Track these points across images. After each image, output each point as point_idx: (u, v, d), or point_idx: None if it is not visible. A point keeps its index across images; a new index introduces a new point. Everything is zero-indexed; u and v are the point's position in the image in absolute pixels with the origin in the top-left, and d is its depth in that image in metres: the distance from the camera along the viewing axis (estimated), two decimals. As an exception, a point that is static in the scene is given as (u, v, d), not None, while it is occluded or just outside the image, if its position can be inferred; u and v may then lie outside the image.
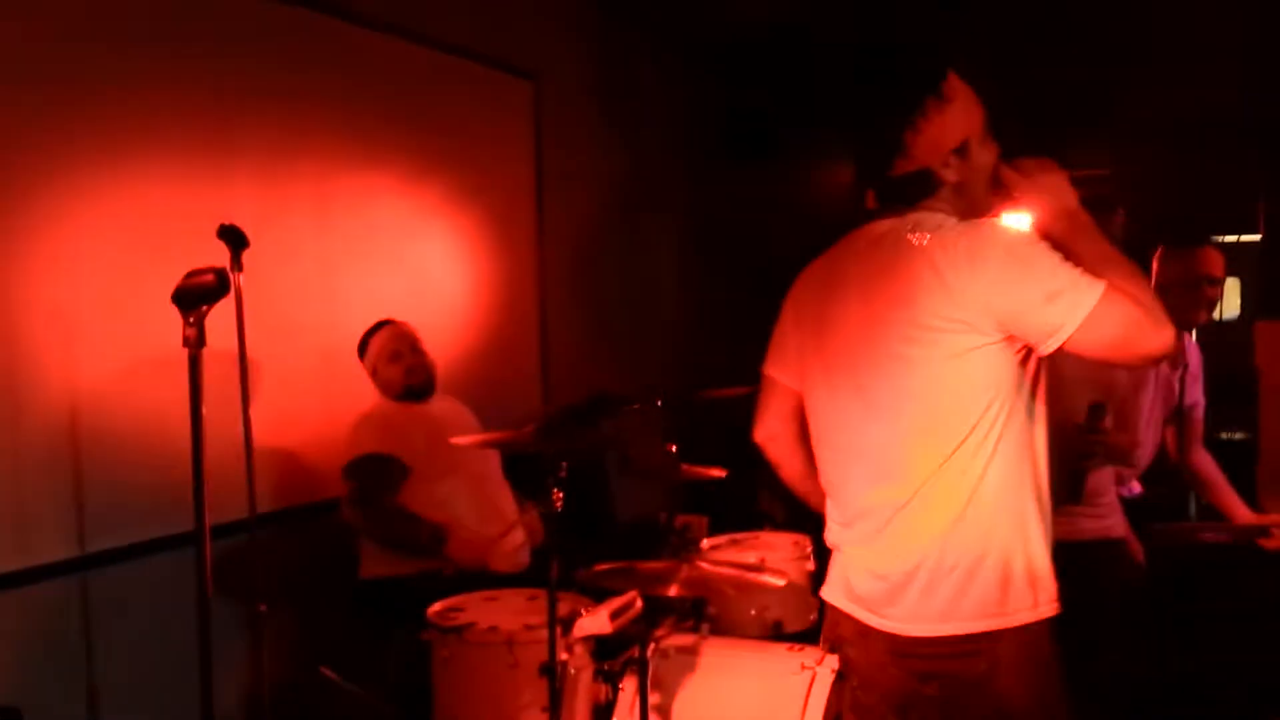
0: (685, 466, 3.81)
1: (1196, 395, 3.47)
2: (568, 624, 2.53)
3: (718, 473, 3.83)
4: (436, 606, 2.88)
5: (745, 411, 3.89)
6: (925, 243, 1.89)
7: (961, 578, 1.88)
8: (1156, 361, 1.92)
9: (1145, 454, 3.37)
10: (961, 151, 1.96)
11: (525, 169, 4.87)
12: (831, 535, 2.14)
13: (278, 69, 3.56)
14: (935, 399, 1.89)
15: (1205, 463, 3.50)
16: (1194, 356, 3.46)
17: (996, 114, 2.03)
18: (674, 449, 3.73)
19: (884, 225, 2.01)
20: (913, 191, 1.98)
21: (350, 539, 3.50)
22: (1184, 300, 3.27)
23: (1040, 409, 1.94)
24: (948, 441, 1.88)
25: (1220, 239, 7.83)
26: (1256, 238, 6.45)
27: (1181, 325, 3.35)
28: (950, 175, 1.96)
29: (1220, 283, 3.30)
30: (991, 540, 1.88)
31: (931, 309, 1.85)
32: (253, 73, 3.46)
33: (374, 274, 3.97)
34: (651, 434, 4.81)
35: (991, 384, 1.86)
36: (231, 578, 3.02)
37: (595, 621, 2.52)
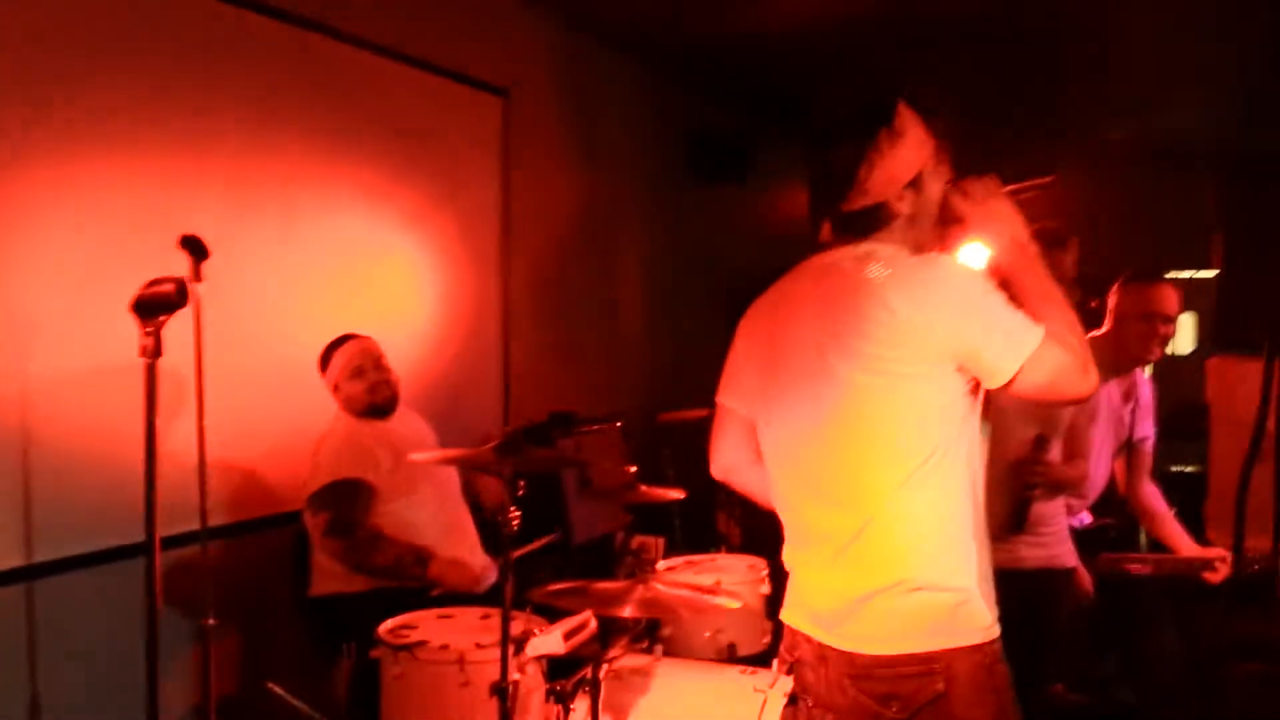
0: (643, 487, 3.82)
1: (1147, 429, 3.53)
2: (520, 643, 2.53)
3: (676, 494, 3.85)
4: (387, 624, 2.86)
5: (705, 434, 3.92)
6: (878, 275, 1.92)
7: (917, 599, 1.91)
8: (1082, 401, 1.99)
9: (1095, 485, 3.42)
10: (915, 184, 2.00)
11: (492, 185, 4.87)
12: (787, 557, 2.16)
13: (244, 79, 3.54)
14: (887, 427, 1.93)
15: (1151, 496, 3.55)
16: (1145, 391, 3.51)
17: (953, 144, 2.07)
18: (633, 470, 3.74)
19: (837, 255, 2.03)
20: (867, 225, 2.01)
21: (303, 553, 3.47)
22: (1139, 334, 3.32)
23: (982, 436, 1.98)
24: (900, 468, 1.91)
25: (1176, 275, 8.00)
26: (1212, 274, 6.56)
27: (1135, 360, 3.40)
28: (904, 208, 2.00)
29: (1174, 320, 3.35)
30: (943, 563, 1.93)
31: (883, 340, 1.89)
32: (219, 82, 3.44)
33: (336, 287, 3.95)
34: (611, 454, 4.83)
35: (941, 412, 1.91)
36: (180, 590, 2.98)
37: (548, 641, 2.51)
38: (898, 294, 1.88)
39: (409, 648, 2.71)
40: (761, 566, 3.53)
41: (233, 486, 3.52)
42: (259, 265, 3.61)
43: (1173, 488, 4.55)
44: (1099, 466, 3.36)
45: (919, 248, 2.01)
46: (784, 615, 2.16)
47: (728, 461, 2.29)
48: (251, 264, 3.57)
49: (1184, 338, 7.81)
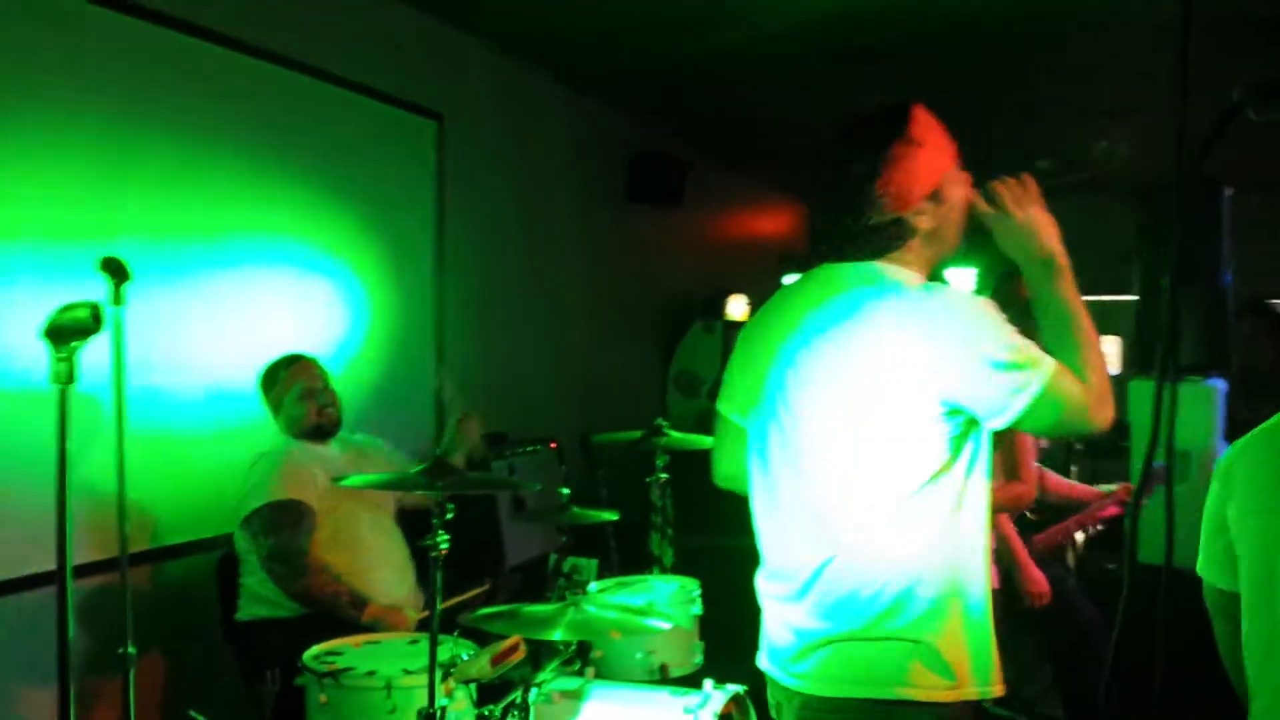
0: (577, 509, 3.81)
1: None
2: (448, 668, 2.51)
3: (609, 516, 3.84)
4: (313, 650, 2.82)
5: (639, 455, 3.93)
6: (881, 304, 1.81)
7: (877, 645, 1.82)
8: (1096, 436, 1.84)
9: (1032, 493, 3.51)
10: (935, 197, 1.89)
11: (426, 208, 4.85)
12: (759, 585, 2.08)
13: (170, 100, 3.49)
14: (861, 462, 1.82)
15: (1050, 478, 3.63)
16: None
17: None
18: (566, 491, 3.73)
19: (842, 271, 1.92)
20: (883, 242, 1.89)
21: (229, 577, 3.42)
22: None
23: (979, 488, 1.86)
24: (870, 506, 1.82)
25: (1099, 298, 8.18)
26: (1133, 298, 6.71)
27: None
28: (924, 223, 1.89)
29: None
30: (912, 610, 1.81)
31: (876, 372, 1.79)
32: (143, 102, 3.40)
33: (265, 308, 3.90)
34: (545, 476, 4.81)
35: (925, 457, 1.80)
36: (100, 618, 2.92)
37: (476, 666, 2.50)
38: (896, 326, 1.79)
39: (335, 674, 2.68)
40: (693, 588, 3.53)
41: (156, 511, 3.46)
42: (183, 287, 3.55)
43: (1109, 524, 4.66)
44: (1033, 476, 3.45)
45: (937, 260, 1.93)
46: (759, 660, 2.06)
47: (727, 470, 2.19)
48: (176, 286, 3.51)
49: (1110, 360, 7.99)
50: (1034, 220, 1.89)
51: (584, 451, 5.29)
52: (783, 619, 1.96)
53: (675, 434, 3.95)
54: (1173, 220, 1.88)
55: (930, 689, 1.80)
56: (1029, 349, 1.76)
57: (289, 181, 4.01)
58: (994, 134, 7.09)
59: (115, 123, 3.31)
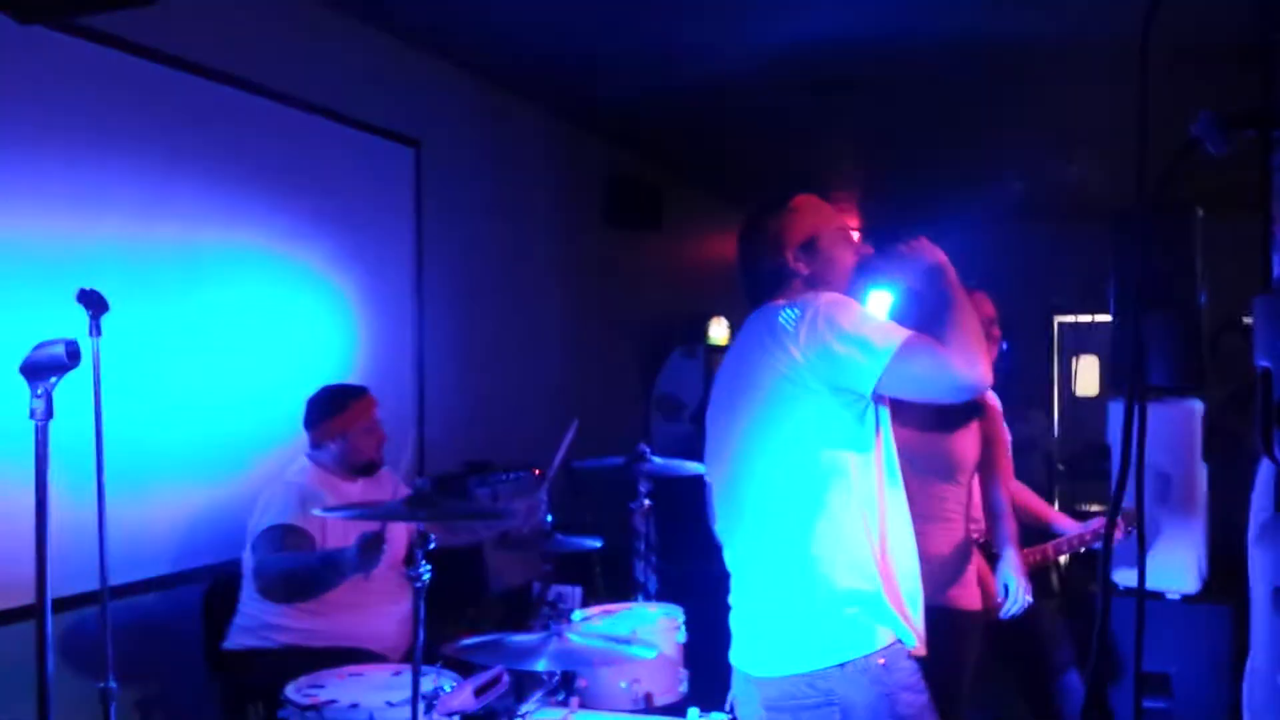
0: (561, 537, 3.80)
1: (1004, 434, 3.49)
2: (431, 700, 2.49)
3: (593, 543, 3.83)
4: (295, 683, 2.80)
5: (622, 481, 3.93)
6: (763, 319, 2.16)
7: (802, 619, 2.08)
8: (971, 393, 2.11)
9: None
10: (807, 248, 2.25)
11: (405, 234, 4.85)
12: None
13: (145, 128, 3.48)
14: (768, 445, 2.11)
15: (1020, 491, 3.62)
16: (991, 399, 3.45)
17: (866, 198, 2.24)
18: (550, 518, 3.72)
19: (752, 315, 2.27)
20: (770, 284, 2.26)
21: (215, 606, 3.38)
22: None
23: (880, 464, 2.13)
24: (779, 487, 2.10)
25: (1074, 318, 8.25)
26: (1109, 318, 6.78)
27: None
28: (802, 268, 2.24)
29: (995, 321, 3.39)
30: (826, 583, 2.06)
31: (765, 367, 2.10)
32: (117, 132, 3.39)
33: (244, 337, 3.89)
34: (527, 503, 4.79)
35: (820, 437, 2.08)
36: (80, 652, 2.89)
37: (459, 697, 2.48)
38: (774, 324, 2.11)
39: (317, 707, 2.66)
40: (678, 615, 3.52)
41: (138, 545, 3.43)
42: (159, 316, 3.53)
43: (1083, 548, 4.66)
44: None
45: None
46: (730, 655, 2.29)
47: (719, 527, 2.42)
48: (151, 315, 3.50)
49: (1088, 381, 8.05)
50: (917, 249, 2.22)
51: (567, 478, 5.28)
52: (736, 613, 2.25)
53: (658, 459, 3.95)
54: (1138, 248, 1.94)
55: (855, 648, 2.03)
56: (883, 323, 2.08)
57: (266, 209, 4.00)
58: (964, 160, 7.19)
59: (87, 154, 3.29)
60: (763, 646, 2.14)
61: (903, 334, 2.01)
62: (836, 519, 2.06)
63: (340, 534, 3.28)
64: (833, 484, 2.06)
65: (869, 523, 2.09)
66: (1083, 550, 3.63)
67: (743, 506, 2.18)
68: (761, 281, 2.28)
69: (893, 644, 2.05)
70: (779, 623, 2.11)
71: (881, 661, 2.02)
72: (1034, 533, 3.70)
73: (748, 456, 2.16)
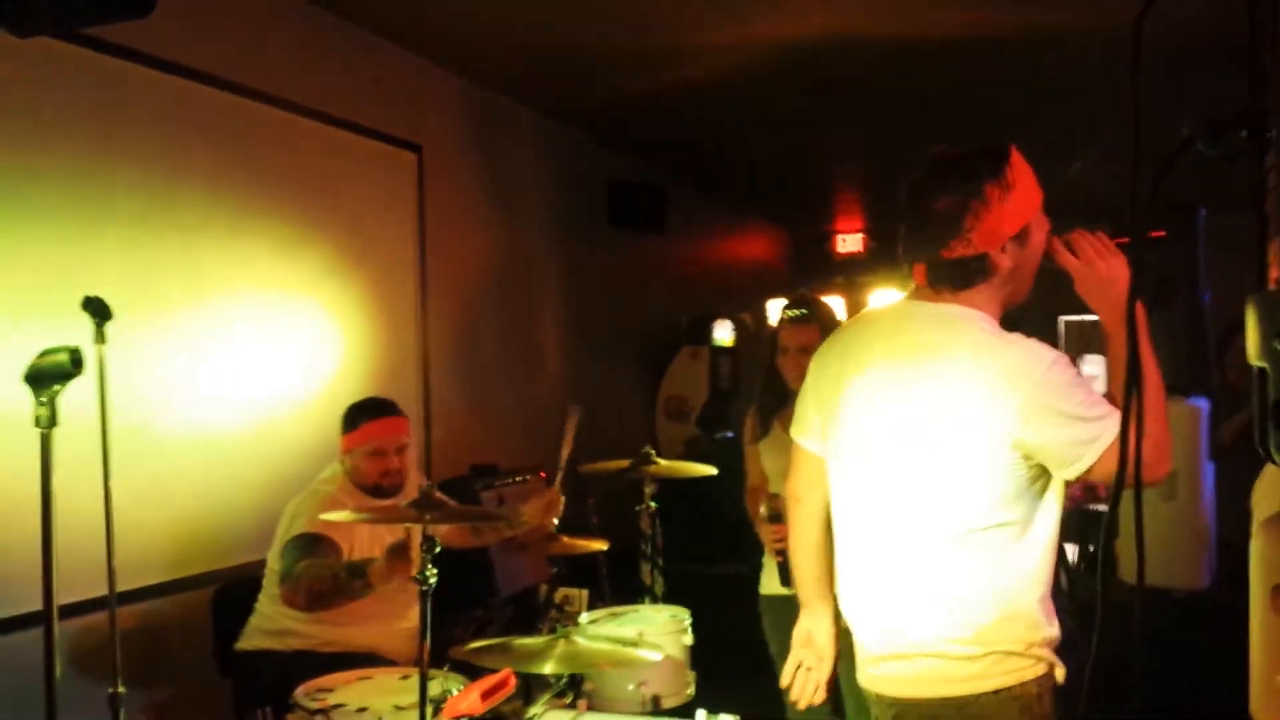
0: (567, 539, 3.80)
1: None
2: (439, 704, 2.50)
3: (599, 545, 3.84)
4: (303, 686, 2.81)
5: (628, 483, 3.93)
6: (962, 347, 1.92)
7: (946, 659, 1.99)
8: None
9: None
10: (1020, 239, 1.98)
11: (408, 239, 4.86)
12: (843, 603, 2.22)
13: (147, 136, 3.49)
14: (932, 498, 1.95)
15: None
16: None
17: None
18: (555, 521, 3.73)
19: (922, 307, 2.04)
20: (966, 276, 1.98)
21: (227, 608, 3.39)
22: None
23: (1045, 535, 1.98)
24: (938, 539, 1.96)
25: (1079, 318, 8.23)
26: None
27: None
28: (1006, 261, 1.97)
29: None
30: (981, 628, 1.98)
31: (951, 414, 1.90)
32: (119, 139, 3.39)
33: (248, 344, 3.90)
34: (545, 500, 4.80)
35: (993, 497, 1.92)
36: (88, 658, 2.90)
37: (466, 701, 2.49)
38: (977, 372, 1.89)
39: (326, 711, 2.66)
40: (684, 617, 3.53)
41: (144, 550, 3.43)
42: (167, 325, 3.54)
43: (1090, 525, 4.66)
44: None
45: (1013, 298, 2.03)
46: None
47: (798, 492, 2.33)
48: (157, 323, 3.51)
49: (1097, 380, 8.03)
50: (1115, 271, 1.97)
51: (573, 481, 5.29)
52: (870, 625, 2.10)
53: (664, 462, 3.95)
54: (1138, 249, 1.91)
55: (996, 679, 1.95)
56: (1100, 403, 1.87)
57: (268, 216, 4.00)
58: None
59: (90, 161, 3.29)
60: (909, 665, 2.02)
61: (1116, 422, 1.80)
62: (996, 568, 1.95)
63: (367, 545, 3.28)
64: (1001, 540, 1.94)
65: (1035, 580, 1.99)
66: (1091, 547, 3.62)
67: (905, 521, 2.01)
68: (947, 268, 1.98)
69: (1046, 674, 1.98)
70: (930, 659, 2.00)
71: (1035, 691, 1.95)
72: None
73: (904, 477, 1.99)
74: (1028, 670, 1.94)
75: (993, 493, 1.91)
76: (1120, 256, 1.98)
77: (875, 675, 2.07)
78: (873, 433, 2.03)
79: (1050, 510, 1.97)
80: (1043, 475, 1.93)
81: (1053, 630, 1.98)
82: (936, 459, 1.93)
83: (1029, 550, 1.95)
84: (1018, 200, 1.96)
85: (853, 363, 2.08)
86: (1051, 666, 1.97)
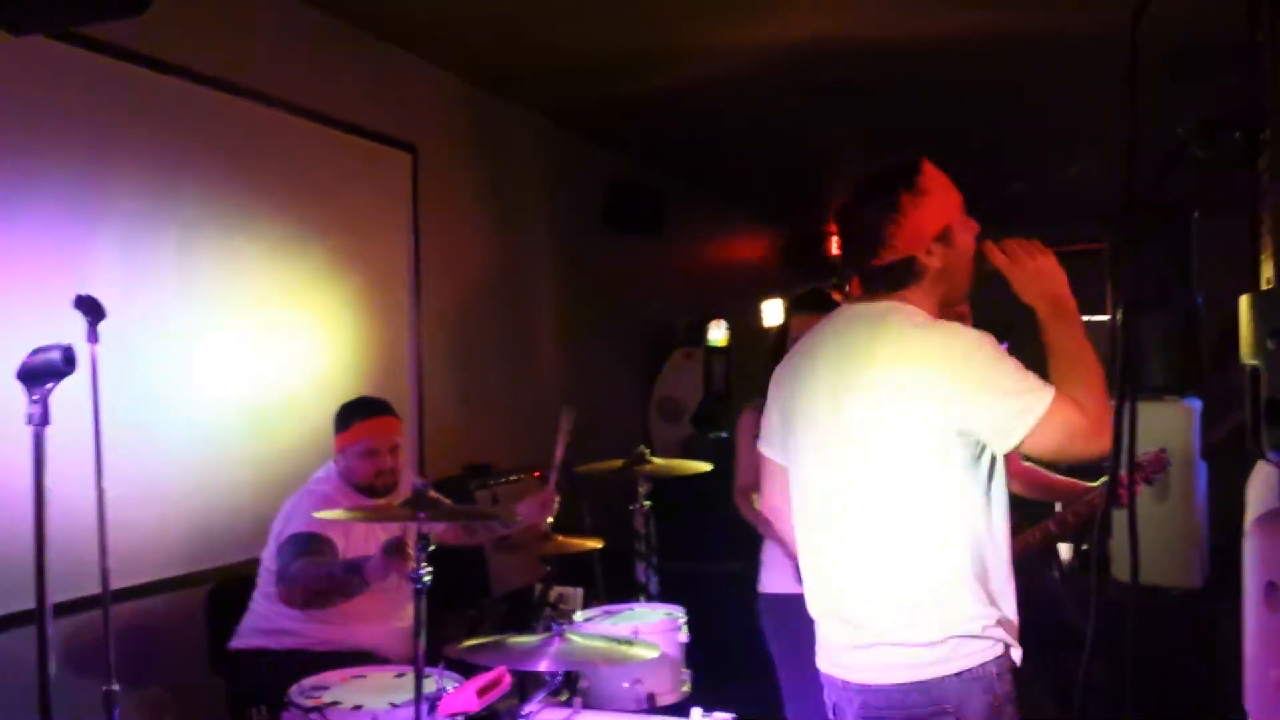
0: (561, 538, 3.81)
1: None
2: (434, 701, 2.50)
3: (594, 544, 3.84)
4: (298, 685, 2.81)
5: (622, 483, 3.94)
6: (892, 336, 2.02)
7: (904, 649, 2.05)
8: (1094, 462, 2.04)
9: None
10: (944, 239, 2.09)
11: (403, 239, 4.86)
12: (809, 606, 2.25)
13: (141, 135, 3.49)
14: (885, 479, 2.03)
15: (1028, 472, 3.59)
16: None
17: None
18: (550, 521, 3.73)
19: (860, 309, 2.14)
20: (896, 279, 2.10)
21: (221, 606, 3.38)
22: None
23: (997, 509, 2.05)
24: (894, 519, 2.03)
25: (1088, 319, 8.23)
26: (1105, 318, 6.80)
27: None
28: (934, 262, 2.09)
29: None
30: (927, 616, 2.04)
31: (886, 399, 1.99)
32: (113, 138, 3.39)
33: (242, 343, 3.89)
34: (540, 499, 4.80)
35: (946, 478, 1.99)
36: (82, 656, 2.89)
37: (461, 698, 2.49)
38: (907, 357, 1.98)
39: (321, 709, 2.66)
40: (679, 615, 3.53)
41: (138, 548, 3.43)
42: (160, 324, 3.54)
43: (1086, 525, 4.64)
44: None
45: (949, 299, 2.13)
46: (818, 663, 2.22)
47: (772, 504, 2.38)
48: (152, 323, 3.50)
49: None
50: (1045, 267, 2.09)
51: (568, 480, 5.30)
52: (833, 624, 2.15)
53: (658, 461, 3.96)
54: (1131, 249, 1.99)
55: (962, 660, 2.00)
56: (1029, 376, 1.96)
57: (263, 215, 3.99)
58: (962, 163, 7.19)
59: (85, 160, 3.29)
60: (872, 654, 2.07)
61: (1050, 392, 1.92)
62: (943, 552, 2.02)
63: (362, 544, 3.28)
64: (960, 520, 2.01)
65: (980, 562, 2.05)
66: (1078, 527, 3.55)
67: (855, 517, 2.08)
68: (879, 274, 2.11)
69: (1003, 654, 2.03)
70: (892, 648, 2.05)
71: (995, 671, 2.00)
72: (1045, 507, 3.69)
73: (851, 471, 2.07)
74: (987, 652, 2.00)
75: (936, 478, 1.99)
76: (1049, 254, 2.09)
77: (840, 664, 2.13)
78: (822, 432, 2.12)
79: (997, 494, 2.05)
80: (983, 455, 2.01)
81: (1006, 612, 2.05)
82: (879, 452, 2.02)
83: (977, 534, 2.02)
84: (934, 204, 2.09)
85: (805, 370, 2.20)
86: (1008, 647, 2.04)
